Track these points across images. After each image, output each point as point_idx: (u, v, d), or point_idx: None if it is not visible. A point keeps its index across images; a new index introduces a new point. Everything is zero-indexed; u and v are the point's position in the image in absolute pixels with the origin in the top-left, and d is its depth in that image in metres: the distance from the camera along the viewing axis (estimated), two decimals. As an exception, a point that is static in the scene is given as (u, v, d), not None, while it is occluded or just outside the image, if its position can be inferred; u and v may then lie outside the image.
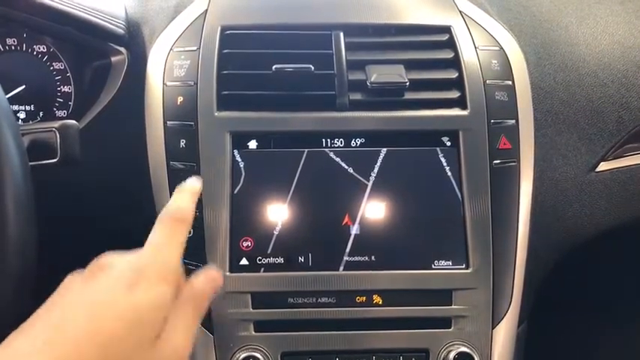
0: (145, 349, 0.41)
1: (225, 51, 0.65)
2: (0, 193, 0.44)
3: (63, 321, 0.40)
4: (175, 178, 0.61)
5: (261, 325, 0.60)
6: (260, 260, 0.61)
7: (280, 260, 0.61)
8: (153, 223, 0.61)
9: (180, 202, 0.49)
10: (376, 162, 0.63)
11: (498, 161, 0.64)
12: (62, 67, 0.71)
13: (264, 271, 0.61)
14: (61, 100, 0.71)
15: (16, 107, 0.70)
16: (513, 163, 0.64)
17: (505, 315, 0.62)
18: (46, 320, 0.41)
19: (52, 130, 0.53)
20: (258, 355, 0.58)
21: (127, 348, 0.41)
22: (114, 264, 0.44)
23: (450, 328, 0.60)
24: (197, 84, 0.64)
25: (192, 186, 0.51)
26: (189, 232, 0.59)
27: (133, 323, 0.41)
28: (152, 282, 0.43)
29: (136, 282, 0.43)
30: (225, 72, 0.65)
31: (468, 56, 0.67)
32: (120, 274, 0.43)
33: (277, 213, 0.62)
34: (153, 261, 0.45)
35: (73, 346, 0.39)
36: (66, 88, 0.71)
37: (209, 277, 0.48)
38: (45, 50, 0.71)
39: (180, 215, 0.48)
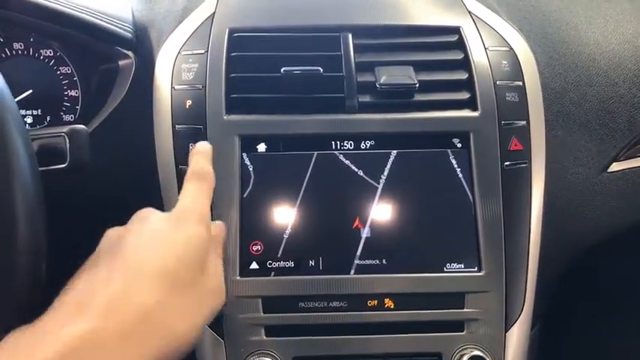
0: (195, 279, 0.48)
1: (234, 54, 0.65)
2: (10, 198, 0.44)
3: (125, 253, 0.46)
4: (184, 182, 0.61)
5: (272, 330, 0.59)
6: (270, 264, 0.60)
7: (291, 264, 0.60)
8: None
9: (200, 162, 0.56)
10: (386, 164, 0.63)
11: (509, 163, 0.63)
12: (69, 72, 0.71)
13: (274, 275, 0.60)
14: (69, 105, 0.71)
15: (23, 112, 0.70)
16: (524, 165, 0.64)
17: (518, 318, 0.61)
18: (109, 255, 0.47)
19: (61, 135, 0.53)
20: (269, 360, 0.58)
21: (183, 277, 0.47)
22: (153, 214, 0.51)
23: (462, 331, 0.60)
24: (205, 87, 0.63)
25: (205, 148, 0.58)
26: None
27: (184, 255, 0.48)
28: (193, 223, 0.50)
29: (180, 223, 0.50)
30: (233, 75, 0.64)
31: (478, 57, 0.66)
32: (164, 218, 0.50)
33: (287, 216, 0.61)
34: (190, 208, 0.52)
35: (141, 275, 0.45)
36: (73, 93, 0.71)
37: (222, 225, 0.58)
38: (52, 54, 0.70)
39: (204, 173, 0.56)
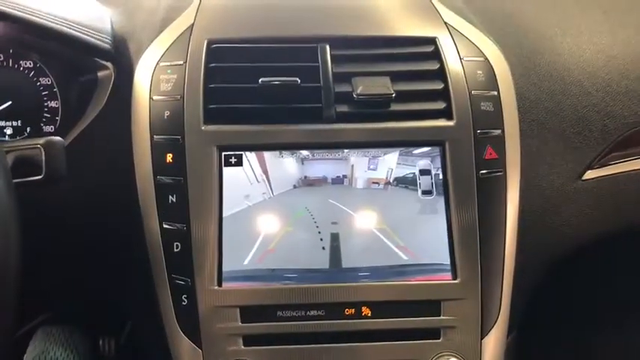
0: None
1: (212, 65, 0.66)
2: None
3: None
4: (162, 193, 0.61)
5: (250, 339, 0.59)
6: (248, 274, 0.61)
7: (268, 273, 0.61)
8: (139, 239, 0.62)
9: None
10: None
11: (485, 171, 0.64)
12: (49, 83, 0.71)
13: (252, 285, 0.60)
14: (48, 116, 0.71)
15: (2, 123, 0.70)
16: (500, 173, 0.64)
17: (494, 325, 0.62)
18: None
19: (37, 147, 0.53)
20: (247, 369, 0.58)
21: None
22: None
23: (439, 339, 0.60)
24: (184, 98, 0.64)
25: None
26: (177, 247, 0.59)
27: None
28: None
29: None
30: (211, 86, 0.65)
31: (454, 67, 0.67)
32: None
33: (265, 226, 0.62)
34: None
35: None
36: (53, 104, 0.71)
37: None
38: (31, 66, 0.71)
39: None
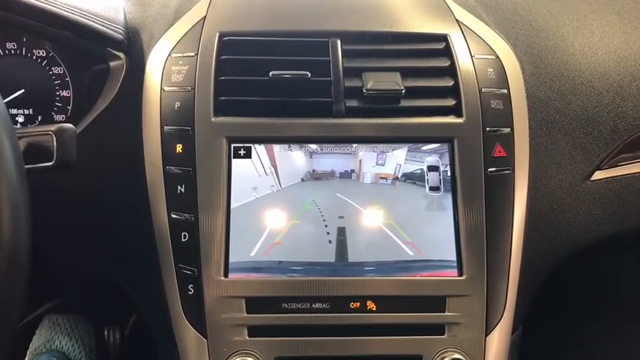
0: None
1: (223, 57, 0.66)
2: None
3: None
4: (171, 183, 0.62)
5: (254, 330, 0.60)
6: (255, 265, 0.61)
7: (275, 265, 0.61)
8: (148, 227, 0.62)
9: None
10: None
11: (493, 169, 0.64)
12: (61, 72, 0.71)
13: (258, 277, 0.61)
14: (60, 105, 0.72)
15: (14, 111, 0.71)
16: (508, 171, 0.64)
17: (499, 322, 0.62)
18: None
19: (48, 134, 0.54)
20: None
21: None
22: None
23: (443, 334, 0.61)
24: (194, 89, 0.64)
25: None
26: (185, 237, 0.60)
27: None
28: None
29: None
30: (222, 78, 0.65)
31: (464, 64, 0.67)
32: None
33: (272, 219, 0.62)
34: None
35: None
36: (65, 93, 0.72)
37: None
38: (44, 55, 0.71)
39: None
